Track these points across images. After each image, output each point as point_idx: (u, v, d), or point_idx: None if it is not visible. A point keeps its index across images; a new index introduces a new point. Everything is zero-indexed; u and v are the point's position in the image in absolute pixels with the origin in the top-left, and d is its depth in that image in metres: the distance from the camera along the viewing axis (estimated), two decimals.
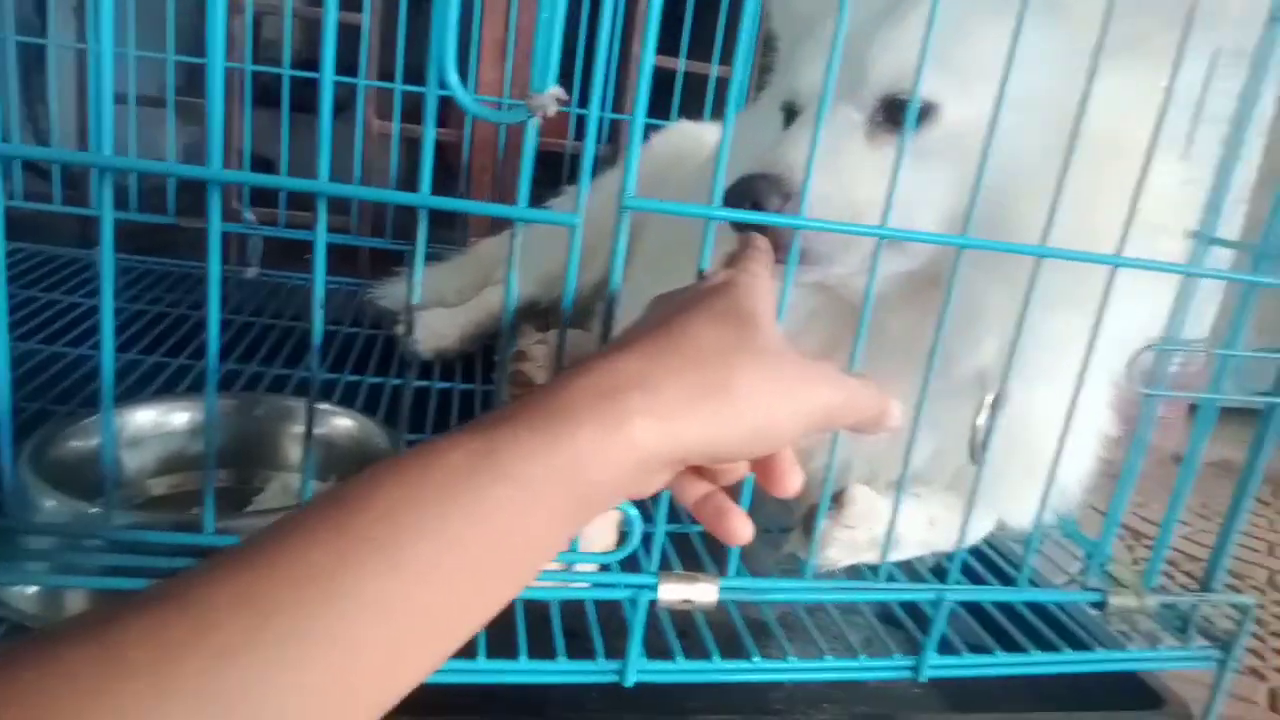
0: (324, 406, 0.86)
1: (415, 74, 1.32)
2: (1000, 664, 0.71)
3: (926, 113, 0.64)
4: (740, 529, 0.47)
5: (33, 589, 0.64)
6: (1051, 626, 0.75)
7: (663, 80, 1.46)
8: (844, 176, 0.63)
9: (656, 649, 0.64)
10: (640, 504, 0.58)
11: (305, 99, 1.00)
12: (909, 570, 0.77)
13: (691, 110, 1.41)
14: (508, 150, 1.59)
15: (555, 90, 0.47)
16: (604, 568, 0.64)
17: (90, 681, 0.28)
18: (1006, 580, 0.78)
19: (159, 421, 0.81)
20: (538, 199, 1.31)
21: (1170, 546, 1.55)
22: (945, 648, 0.70)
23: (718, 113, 1.38)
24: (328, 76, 0.48)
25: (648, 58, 0.50)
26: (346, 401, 0.92)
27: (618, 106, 1.55)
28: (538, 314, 1.23)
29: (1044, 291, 0.61)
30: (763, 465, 0.48)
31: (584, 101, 0.50)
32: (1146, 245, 0.62)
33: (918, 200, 0.64)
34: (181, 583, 0.32)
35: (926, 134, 0.64)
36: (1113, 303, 0.62)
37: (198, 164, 0.50)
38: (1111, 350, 0.68)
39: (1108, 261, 0.60)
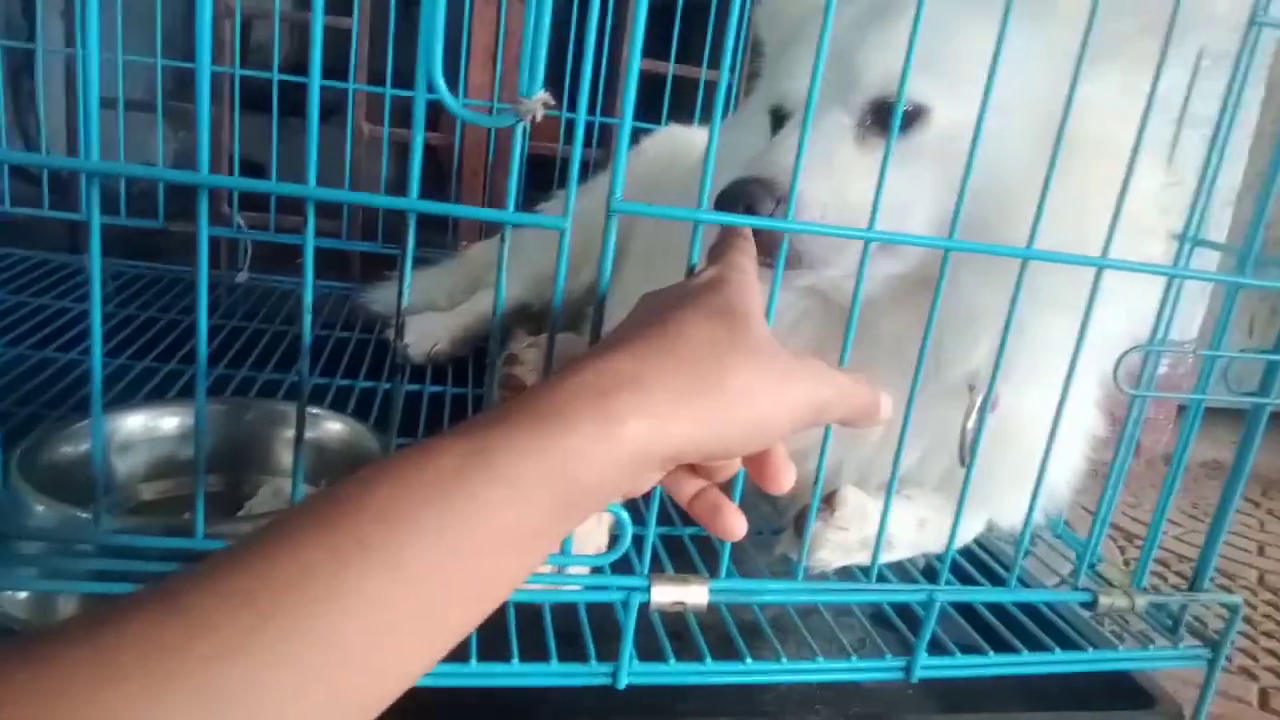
0: (315, 411, 0.85)
1: (405, 78, 1.33)
2: (992, 664, 0.71)
3: (916, 115, 0.64)
4: (735, 525, 0.48)
5: (23, 594, 0.63)
6: (1043, 627, 0.75)
7: (653, 85, 1.46)
8: (836, 180, 0.63)
9: (649, 651, 0.64)
10: (632, 505, 0.58)
11: (295, 103, 1.00)
12: (900, 571, 0.77)
13: (681, 114, 1.41)
14: (498, 154, 1.59)
15: (543, 95, 0.47)
16: (596, 570, 0.64)
17: (84, 684, 0.28)
18: (997, 581, 0.78)
19: (149, 426, 0.81)
20: (529, 203, 1.31)
21: (1161, 547, 1.56)
22: (937, 649, 0.70)
23: (707, 116, 1.38)
24: (316, 81, 0.48)
25: (634, 62, 0.50)
26: (338, 406, 0.92)
27: (608, 110, 1.55)
28: (529, 317, 1.23)
29: (1035, 294, 0.61)
30: (756, 463, 0.48)
31: (574, 105, 0.51)
32: (1133, 247, 0.62)
33: (909, 203, 0.64)
34: (175, 585, 0.32)
35: (917, 137, 0.64)
36: (1101, 305, 0.62)
37: (188, 169, 0.50)
38: (1100, 352, 0.68)
39: (1092, 264, 0.60)
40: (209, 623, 0.30)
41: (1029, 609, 0.77)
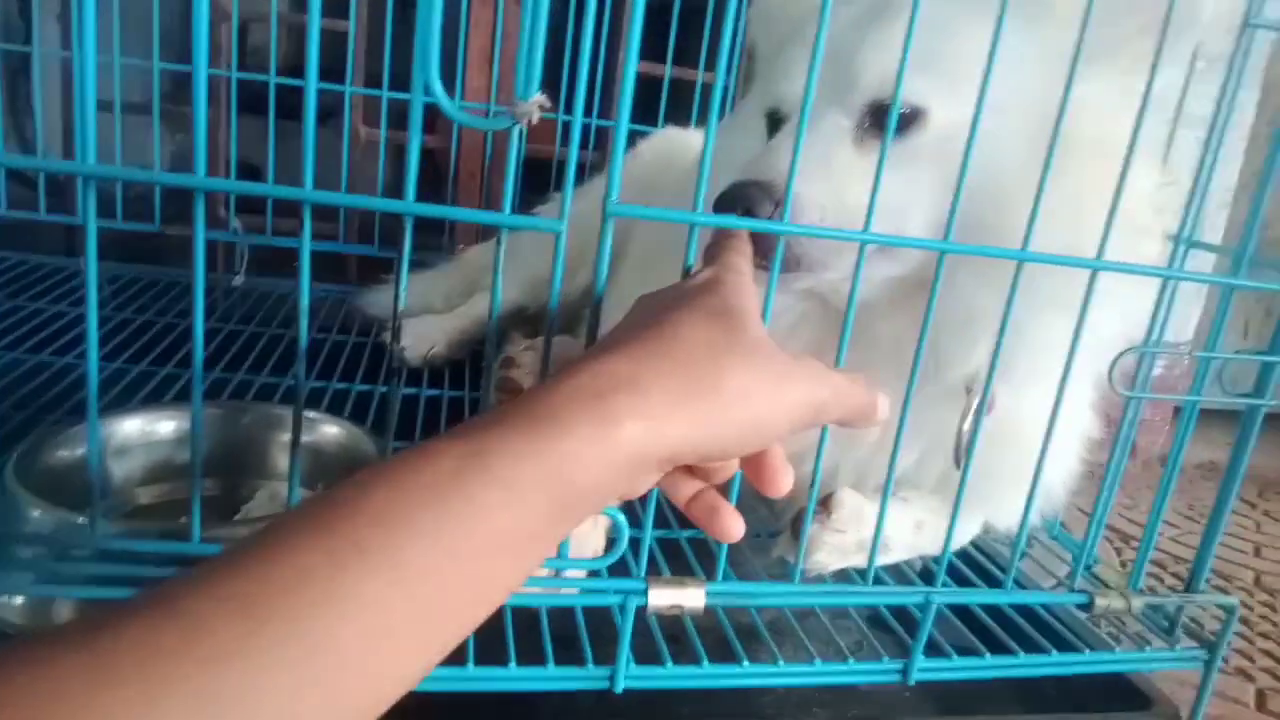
0: (311, 414, 0.85)
1: (402, 81, 1.32)
2: (989, 666, 0.71)
3: (914, 117, 0.64)
4: (732, 526, 0.48)
5: (19, 599, 0.63)
6: (1039, 629, 0.75)
7: (649, 87, 1.46)
8: (835, 182, 0.63)
9: (646, 654, 0.64)
10: (628, 508, 0.58)
11: (292, 106, 1.00)
12: (897, 574, 0.77)
13: (678, 117, 1.42)
14: (495, 157, 1.59)
15: (539, 98, 0.47)
16: (593, 573, 0.64)
17: (81, 688, 0.28)
18: (994, 583, 0.78)
19: (146, 430, 0.81)
20: (527, 205, 1.31)
21: (1158, 548, 1.56)
22: (934, 651, 0.70)
23: (703, 119, 1.39)
24: (312, 84, 0.48)
25: (630, 64, 0.50)
26: (335, 409, 0.92)
27: (605, 113, 1.55)
28: (526, 320, 1.23)
29: (1034, 294, 0.61)
30: (754, 466, 0.48)
31: (571, 108, 0.51)
32: (1129, 247, 0.62)
33: (908, 204, 0.64)
34: (171, 589, 0.31)
35: (915, 138, 0.64)
36: (1096, 306, 0.62)
37: (185, 172, 0.50)
38: (1095, 353, 0.68)
39: (1087, 265, 0.60)
40: (205, 627, 0.30)
41: (1025, 611, 0.77)
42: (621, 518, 0.59)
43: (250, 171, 1.69)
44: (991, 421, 0.67)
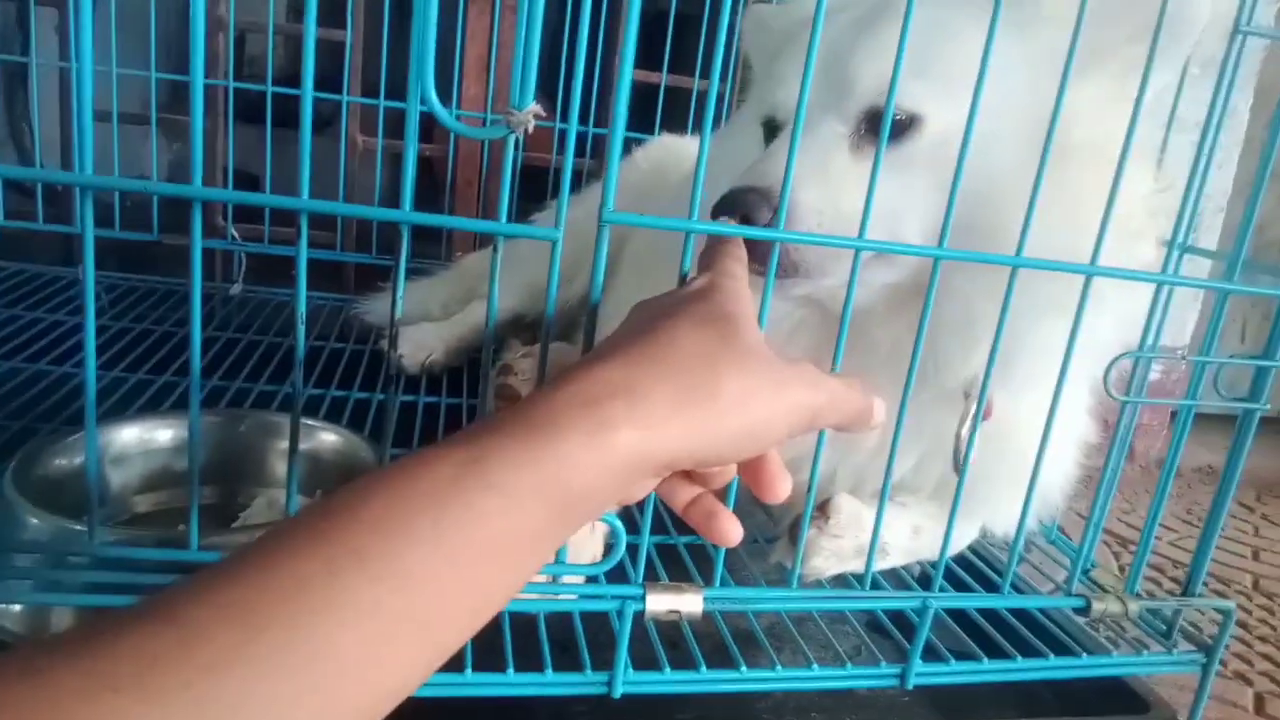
0: (309, 422, 0.85)
1: (399, 90, 1.33)
2: (987, 671, 0.71)
3: (910, 123, 0.64)
4: (730, 530, 0.48)
5: (17, 607, 0.63)
6: (1037, 633, 0.75)
7: (645, 95, 1.47)
8: (832, 189, 0.63)
9: (644, 660, 0.64)
10: (626, 514, 0.58)
11: (290, 115, 1.00)
12: (895, 579, 0.77)
13: (674, 124, 1.42)
14: (492, 165, 1.59)
15: (534, 107, 0.47)
16: (591, 579, 0.64)
17: (80, 696, 0.28)
18: (992, 587, 0.78)
19: (143, 438, 0.81)
20: (524, 213, 1.32)
21: (1156, 552, 1.56)
22: (932, 655, 0.70)
23: (699, 126, 1.40)
24: (308, 93, 0.48)
25: (625, 72, 0.50)
26: (332, 417, 0.92)
27: (601, 121, 1.56)
28: (523, 327, 1.23)
29: (1032, 299, 0.62)
30: (752, 472, 0.48)
31: (568, 116, 0.51)
32: (1124, 251, 0.63)
33: (904, 210, 0.64)
34: (169, 597, 0.32)
35: (911, 144, 0.64)
36: (1094, 311, 0.62)
37: (182, 181, 0.50)
38: (1092, 358, 0.69)
39: (1082, 271, 0.61)
40: (204, 634, 0.30)
41: (1023, 615, 0.77)
42: (619, 523, 0.59)
43: (247, 180, 1.69)
44: (989, 426, 0.68)
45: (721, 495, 0.50)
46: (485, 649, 0.58)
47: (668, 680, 0.64)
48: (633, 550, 0.62)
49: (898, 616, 0.75)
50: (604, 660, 0.62)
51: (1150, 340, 0.69)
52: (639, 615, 0.62)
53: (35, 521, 0.64)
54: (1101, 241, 0.60)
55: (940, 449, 0.74)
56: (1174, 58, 0.63)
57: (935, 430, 0.72)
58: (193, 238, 0.50)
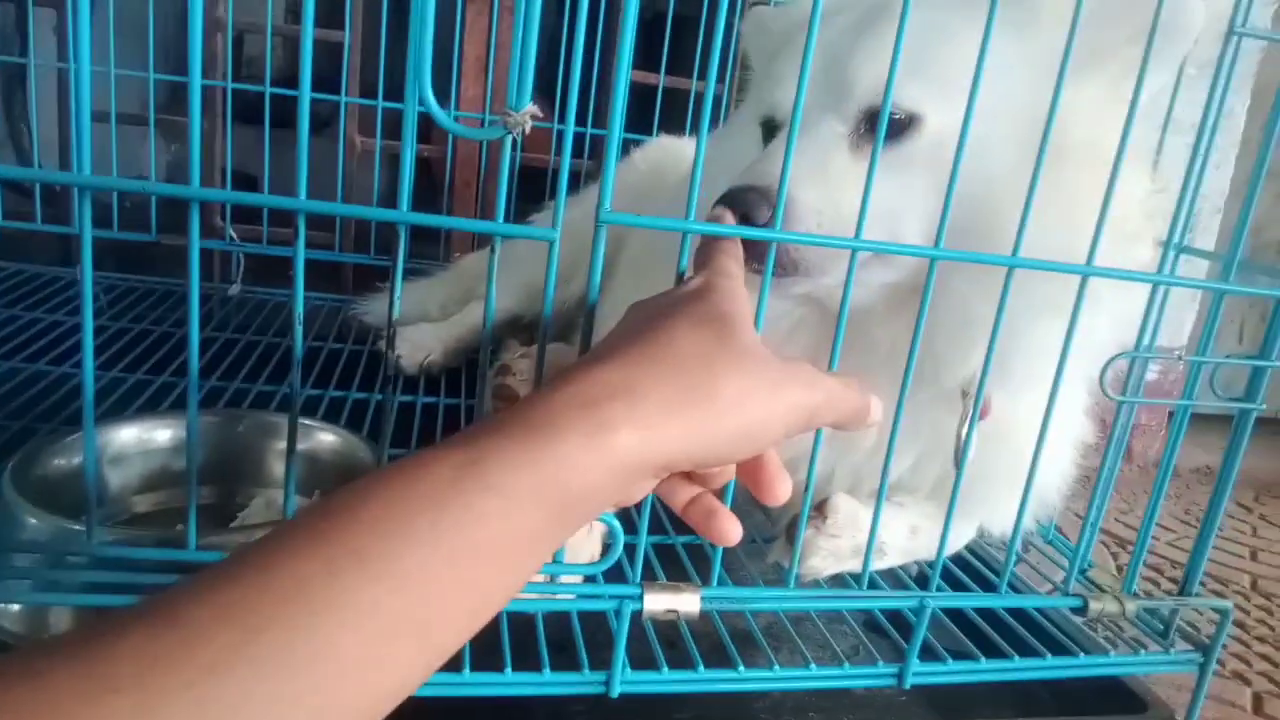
0: (307, 422, 0.85)
1: (397, 91, 1.32)
2: (984, 670, 0.71)
3: (909, 123, 0.64)
4: (730, 530, 0.48)
5: (16, 607, 0.63)
6: (1035, 633, 0.76)
7: (644, 96, 1.47)
8: (831, 188, 0.63)
9: (642, 659, 0.64)
10: (624, 514, 0.58)
11: (288, 116, 1.00)
12: (893, 578, 0.78)
13: (672, 125, 1.42)
14: (490, 166, 1.60)
15: (531, 108, 0.48)
16: (589, 579, 0.64)
17: (80, 698, 0.28)
18: (989, 587, 0.78)
19: (142, 439, 0.81)
20: (522, 214, 1.32)
21: (1154, 553, 1.57)
22: (930, 655, 0.70)
23: (697, 127, 1.40)
24: (306, 93, 0.48)
25: (623, 73, 0.50)
26: (331, 417, 0.92)
27: (599, 122, 1.56)
28: (522, 328, 1.23)
29: (1030, 299, 0.62)
30: (751, 473, 0.48)
31: (564, 117, 0.51)
32: (1120, 253, 0.63)
33: (903, 210, 0.64)
34: (168, 598, 0.32)
35: (910, 144, 0.64)
36: (1091, 311, 0.62)
37: (180, 181, 0.50)
38: (1089, 358, 0.69)
39: (1079, 271, 0.61)
40: (204, 635, 0.30)
41: (1021, 615, 0.77)
42: (617, 523, 0.59)
43: (246, 181, 1.69)
44: (986, 426, 0.68)
45: (720, 495, 0.50)
46: (483, 649, 0.58)
47: (665, 680, 0.64)
48: (630, 550, 0.62)
49: (895, 616, 0.75)
50: (602, 660, 0.62)
51: (1147, 340, 0.70)
52: (637, 615, 0.62)
53: (34, 521, 0.64)
54: (1098, 242, 0.60)
55: (938, 449, 0.74)
56: (1170, 59, 0.63)
57: (933, 430, 0.73)
58: (191, 238, 0.50)
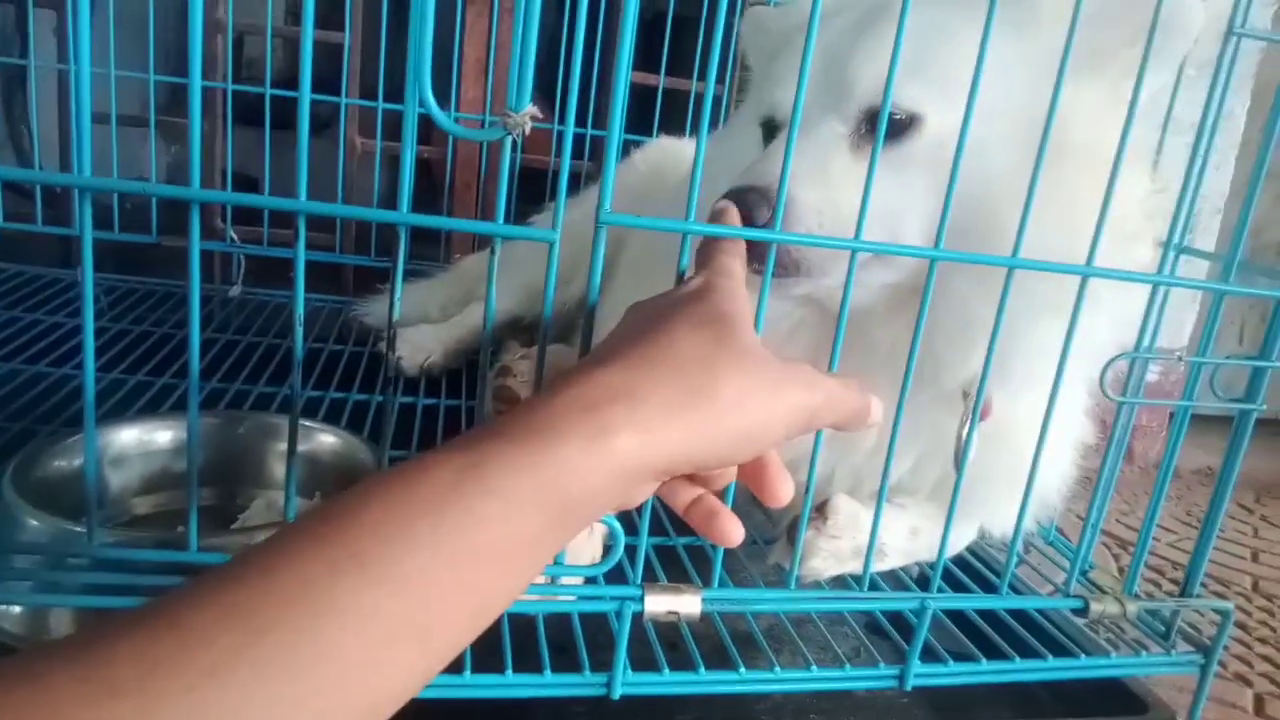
0: (308, 423, 0.85)
1: (397, 92, 1.32)
2: (985, 672, 0.71)
3: (910, 123, 0.64)
4: (732, 531, 0.48)
5: (17, 608, 0.63)
6: (1036, 634, 0.76)
7: (644, 97, 1.47)
8: (832, 189, 0.63)
9: (643, 661, 0.64)
10: (625, 515, 0.58)
11: (288, 117, 1.00)
12: (894, 580, 0.77)
13: (672, 126, 1.42)
14: (490, 167, 1.60)
15: (531, 109, 0.48)
16: (590, 580, 0.64)
17: (81, 701, 0.28)
18: (990, 588, 0.78)
19: (142, 440, 0.81)
20: (522, 215, 1.32)
21: (1156, 554, 1.56)
22: (931, 657, 0.70)
23: (697, 128, 1.40)
24: (306, 95, 0.48)
25: (622, 74, 0.50)
26: (331, 418, 0.92)
27: (600, 123, 1.56)
28: (522, 329, 1.23)
29: (1030, 299, 0.62)
30: (753, 476, 0.48)
31: (564, 118, 0.51)
32: (1120, 253, 0.63)
33: (903, 210, 0.64)
34: (170, 601, 0.32)
35: (910, 144, 0.64)
36: (1091, 311, 0.62)
37: (181, 183, 0.50)
38: (1089, 359, 0.69)
39: (1078, 272, 0.61)
40: (205, 638, 0.30)
41: (1022, 616, 0.77)
42: (618, 525, 0.59)
43: (246, 182, 1.70)
44: (987, 427, 0.68)
45: (722, 496, 0.50)
46: (484, 650, 0.58)
47: (666, 681, 0.64)
48: (631, 551, 0.62)
49: (896, 618, 0.75)
50: (603, 661, 0.62)
51: (1147, 341, 0.69)
52: (638, 616, 0.62)
53: (35, 523, 0.64)
54: (1098, 243, 0.60)
55: (938, 450, 0.74)
56: (1169, 60, 0.63)
57: (933, 431, 0.73)
58: (191, 239, 0.50)
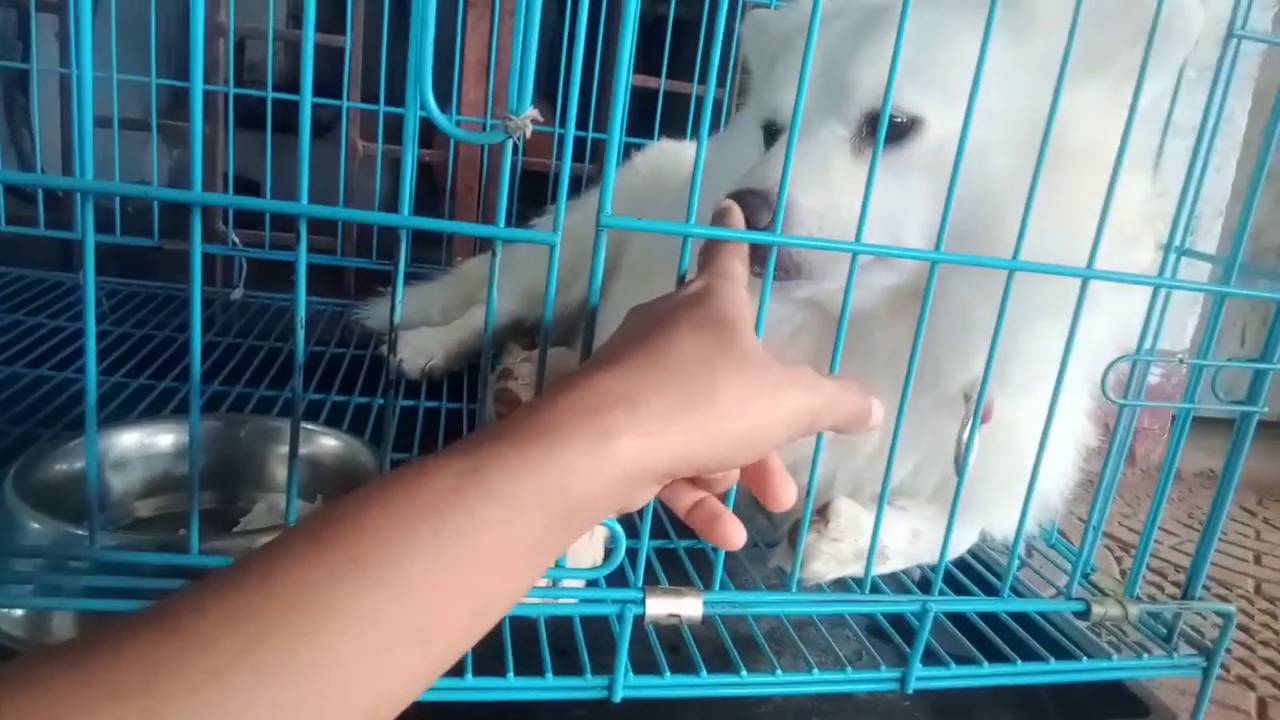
0: (310, 426, 0.85)
1: (398, 95, 1.33)
2: (987, 675, 0.71)
3: (911, 127, 0.64)
4: (733, 533, 0.48)
5: (19, 611, 0.63)
6: (1037, 637, 0.75)
7: (645, 100, 1.47)
8: (833, 192, 0.63)
9: (644, 664, 0.64)
10: (626, 518, 0.58)
11: (290, 120, 1.01)
12: (895, 583, 0.77)
13: (673, 129, 1.42)
14: (491, 170, 1.60)
15: (532, 112, 0.48)
16: (591, 583, 0.64)
17: (78, 705, 0.28)
18: (992, 591, 0.78)
19: (144, 443, 0.81)
20: (524, 218, 1.32)
21: (1158, 557, 1.56)
22: (932, 659, 0.70)
23: (698, 131, 1.40)
24: (307, 98, 0.48)
25: (623, 76, 0.50)
26: (333, 421, 0.92)
27: (601, 126, 1.56)
28: (523, 332, 1.23)
29: (1030, 302, 0.62)
30: (756, 479, 0.48)
31: (566, 121, 0.51)
32: (1122, 257, 0.63)
33: (904, 213, 0.64)
34: (171, 605, 0.32)
35: (911, 148, 0.64)
36: (1092, 314, 0.62)
37: (183, 186, 0.50)
38: (1092, 361, 0.69)
39: (1079, 274, 0.61)
40: (207, 641, 0.30)
41: (1023, 619, 0.77)
42: (619, 528, 0.59)
43: (248, 186, 1.70)
44: (988, 429, 0.68)
45: (723, 499, 0.50)
46: (485, 653, 0.57)
47: (668, 684, 0.64)
48: (632, 554, 0.62)
49: (897, 620, 0.75)
50: (604, 664, 0.62)
51: (1148, 344, 0.69)
52: (639, 619, 0.62)
53: (36, 526, 0.64)
54: (1098, 245, 0.60)
55: (939, 453, 0.74)
56: (1169, 62, 0.63)
57: (934, 434, 0.72)
58: (193, 243, 0.50)
